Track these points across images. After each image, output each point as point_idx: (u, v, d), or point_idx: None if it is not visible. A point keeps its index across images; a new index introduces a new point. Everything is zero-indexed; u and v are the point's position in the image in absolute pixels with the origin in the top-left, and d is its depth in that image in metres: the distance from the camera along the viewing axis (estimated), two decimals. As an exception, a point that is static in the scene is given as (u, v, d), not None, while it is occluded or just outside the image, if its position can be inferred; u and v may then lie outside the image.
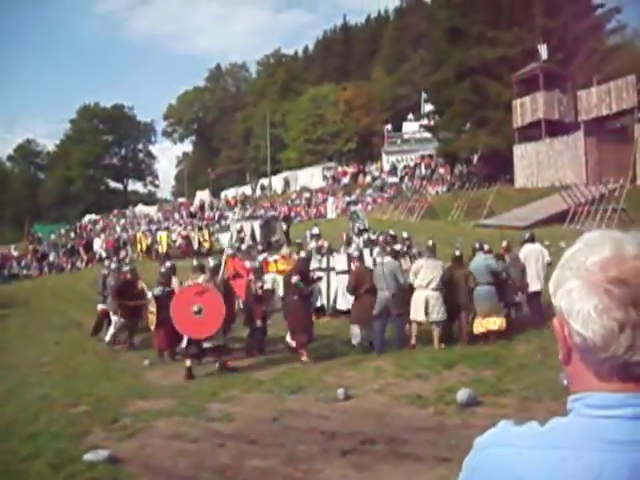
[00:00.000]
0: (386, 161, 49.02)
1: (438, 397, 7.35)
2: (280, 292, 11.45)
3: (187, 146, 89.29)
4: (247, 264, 12.38)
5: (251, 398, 8.10)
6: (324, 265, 13.60)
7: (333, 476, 5.32)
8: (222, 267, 10.69)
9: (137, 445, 6.41)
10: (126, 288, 12.67)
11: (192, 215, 40.82)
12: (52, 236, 39.52)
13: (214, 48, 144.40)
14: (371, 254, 12.86)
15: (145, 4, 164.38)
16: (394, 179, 42.69)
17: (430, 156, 42.77)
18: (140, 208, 53.25)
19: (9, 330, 16.19)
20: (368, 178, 45.44)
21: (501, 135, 31.18)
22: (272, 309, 11.66)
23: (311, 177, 49.11)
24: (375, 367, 9.16)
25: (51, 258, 30.54)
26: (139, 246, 27.61)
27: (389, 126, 53.47)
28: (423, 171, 41.50)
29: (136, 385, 9.44)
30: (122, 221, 44.64)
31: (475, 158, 36.34)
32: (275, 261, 14.24)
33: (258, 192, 51.04)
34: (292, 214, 34.86)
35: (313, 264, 12.38)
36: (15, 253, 32.36)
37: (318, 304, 12.90)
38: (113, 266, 14.11)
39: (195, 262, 11.50)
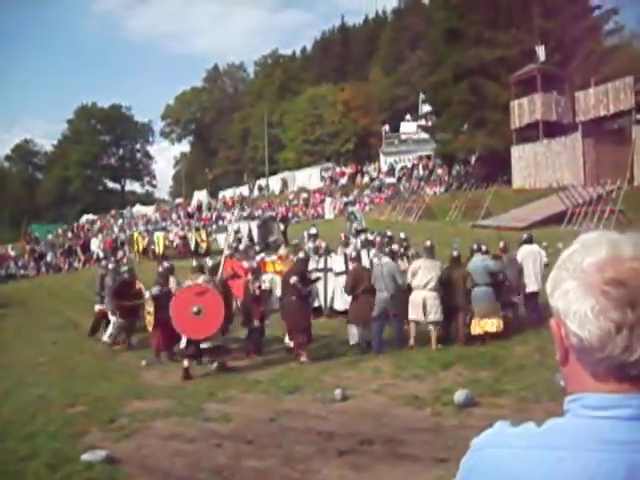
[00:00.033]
0: (384, 162, 48.97)
1: (435, 398, 7.35)
2: (278, 292, 11.45)
3: (185, 146, 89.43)
4: (245, 264, 12.39)
5: (248, 398, 8.10)
6: (321, 265, 13.60)
7: (330, 476, 5.33)
8: (220, 267, 10.70)
9: (134, 445, 6.41)
10: (124, 288, 12.67)
11: (190, 215, 40.85)
12: (49, 236, 39.54)
13: (212, 48, 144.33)
14: (368, 255, 12.87)
15: (143, 4, 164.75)
16: (392, 180, 42.69)
17: (428, 157, 42.74)
18: (138, 208, 53.24)
19: (6, 330, 16.18)
20: (366, 179, 45.42)
21: (499, 136, 31.19)
22: (270, 309, 11.66)
23: (309, 177, 49.09)
24: (373, 367, 9.17)
25: (48, 258, 30.54)
26: (136, 246, 27.61)
27: (387, 127, 53.49)
28: (421, 172, 41.48)
29: (133, 385, 9.44)
30: (120, 221, 44.70)
31: (473, 159, 36.37)
32: (273, 261, 14.21)
33: (256, 192, 51.07)
34: (290, 214, 34.89)
35: (311, 264, 12.38)
36: (12, 253, 32.36)
37: (315, 304, 12.91)
38: (111, 266, 14.15)
39: (195, 262, 11.48)
